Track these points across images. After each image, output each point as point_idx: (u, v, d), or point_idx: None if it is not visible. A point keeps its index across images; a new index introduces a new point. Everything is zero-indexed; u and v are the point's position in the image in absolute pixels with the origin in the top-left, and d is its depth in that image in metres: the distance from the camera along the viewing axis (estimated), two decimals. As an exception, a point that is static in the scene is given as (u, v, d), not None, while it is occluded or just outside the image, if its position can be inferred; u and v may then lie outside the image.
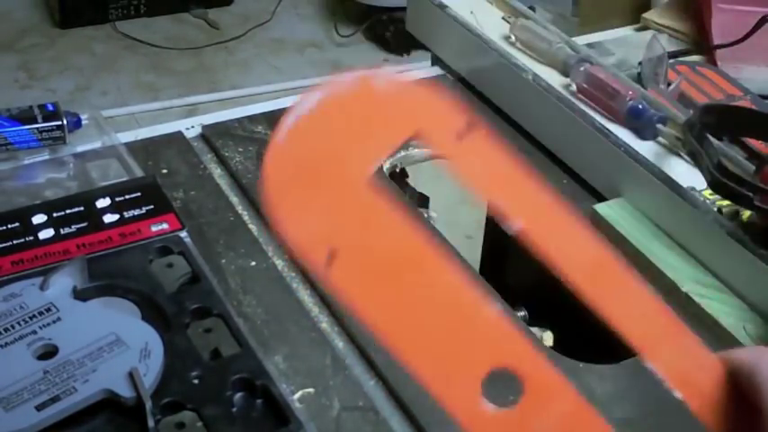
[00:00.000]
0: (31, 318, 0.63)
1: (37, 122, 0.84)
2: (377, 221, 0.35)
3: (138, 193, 0.77)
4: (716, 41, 1.06)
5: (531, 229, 0.35)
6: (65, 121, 0.84)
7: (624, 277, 0.36)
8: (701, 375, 0.36)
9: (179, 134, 0.89)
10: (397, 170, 0.92)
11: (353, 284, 0.34)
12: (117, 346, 0.61)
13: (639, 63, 1.01)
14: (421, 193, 1.00)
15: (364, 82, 0.35)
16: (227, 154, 0.87)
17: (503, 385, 0.35)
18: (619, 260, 0.36)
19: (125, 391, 0.58)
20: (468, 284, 0.35)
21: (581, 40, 1.08)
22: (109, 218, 0.74)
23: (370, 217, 0.35)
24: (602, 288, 0.35)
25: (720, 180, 0.72)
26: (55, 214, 0.74)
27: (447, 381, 0.35)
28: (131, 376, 0.58)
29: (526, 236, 0.35)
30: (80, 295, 0.66)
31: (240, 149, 0.87)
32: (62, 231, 0.73)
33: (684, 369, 0.36)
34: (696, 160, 0.77)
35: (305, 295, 0.72)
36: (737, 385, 0.36)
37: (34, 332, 0.62)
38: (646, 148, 0.82)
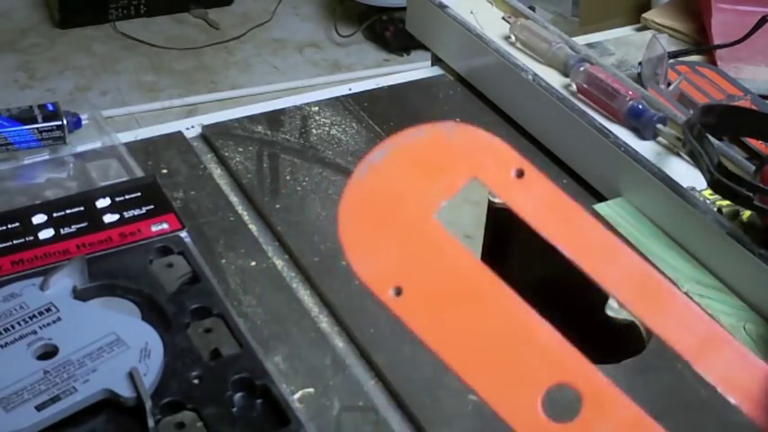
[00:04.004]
0: (31, 318, 0.63)
1: (37, 122, 0.84)
2: (440, 256, 0.39)
3: (138, 193, 0.77)
4: (716, 41, 1.06)
5: (585, 262, 0.39)
6: (65, 121, 0.84)
7: (669, 292, 0.38)
8: (750, 381, 0.37)
9: (179, 134, 0.89)
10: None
11: (419, 315, 0.38)
12: (117, 346, 0.61)
13: (639, 63, 1.02)
14: (421, 193, 1.00)
15: (429, 131, 0.40)
16: (227, 154, 0.87)
17: (561, 400, 0.37)
18: (664, 279, 0.38)
19: (125, 391, 0.58)
20: (526, 308, 0.39)
21: (581, 40, 1.08)
22: (109, 218, 0.74)
23: (434, 252, 0.39)
24: (648, 305, 0.38)
25: (720, 180, 0.72)
26: (55, 214, 0.74)
27: (508, 397, 0.38)
28: (131, 376, 0.58)
29: (581, 268, 0.39)
30: (80, 295, 0.66)
31: (240, 149, 0.87)
32: (62, 231, 0.73)
33: (734, 376, 0.38)
34: (696, 160, 0.77)
35: (305, 295, 0.72)
36: None
37: (34, 332, 0.62)
38: (646, 148, 0.82)
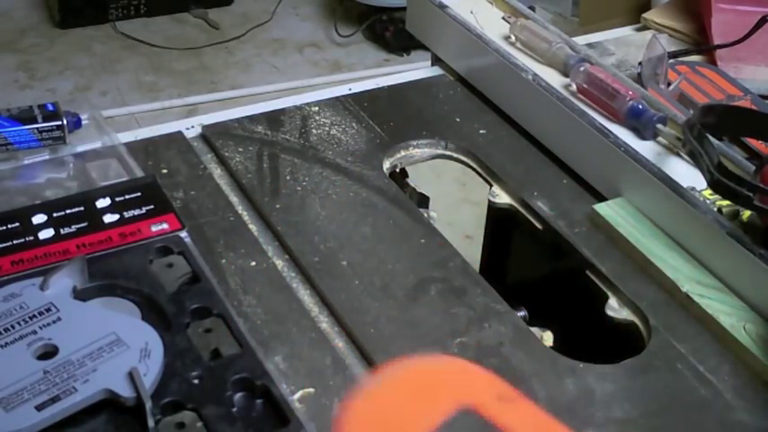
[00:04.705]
0: (31, 318, 0.63)
1: (37, 122, 0.84)
2: None
3: (138, 193, 0.77)
4: (716, 41, 1.07)
5: None
6: (65, 121, 0.84)
7: None
8: None
9: (179, 134, 0.89)
10: (398, 170, 0.92)
11: None
12: (117, 346, 0.61)
13: (639, 63, 1.02)
14: (421, 193, 1.00)
15: (420, 363, 0.43)
16: (227, 154, 0.87)
17: None
18: None
19: (125, 391, 0.58)
20: None
21: (581, 40, 1.08)
22: (109, 218, 0.74)
23: None
24: None
25: (720, 180, 0.72)
26: (55, 214, 0.74)
27: None
28: (131, 376, 0.58)
29: None
30: (80, 295, 0.66)
31: (240, 149, 0.87)
32: (62, 231, 0.73)
33: None
34: (696, 160, 0.77)
35: (305, 295, 0.72)
36: None
37: (34, 332, 0.62)
38: (646, 148, 0.82)
